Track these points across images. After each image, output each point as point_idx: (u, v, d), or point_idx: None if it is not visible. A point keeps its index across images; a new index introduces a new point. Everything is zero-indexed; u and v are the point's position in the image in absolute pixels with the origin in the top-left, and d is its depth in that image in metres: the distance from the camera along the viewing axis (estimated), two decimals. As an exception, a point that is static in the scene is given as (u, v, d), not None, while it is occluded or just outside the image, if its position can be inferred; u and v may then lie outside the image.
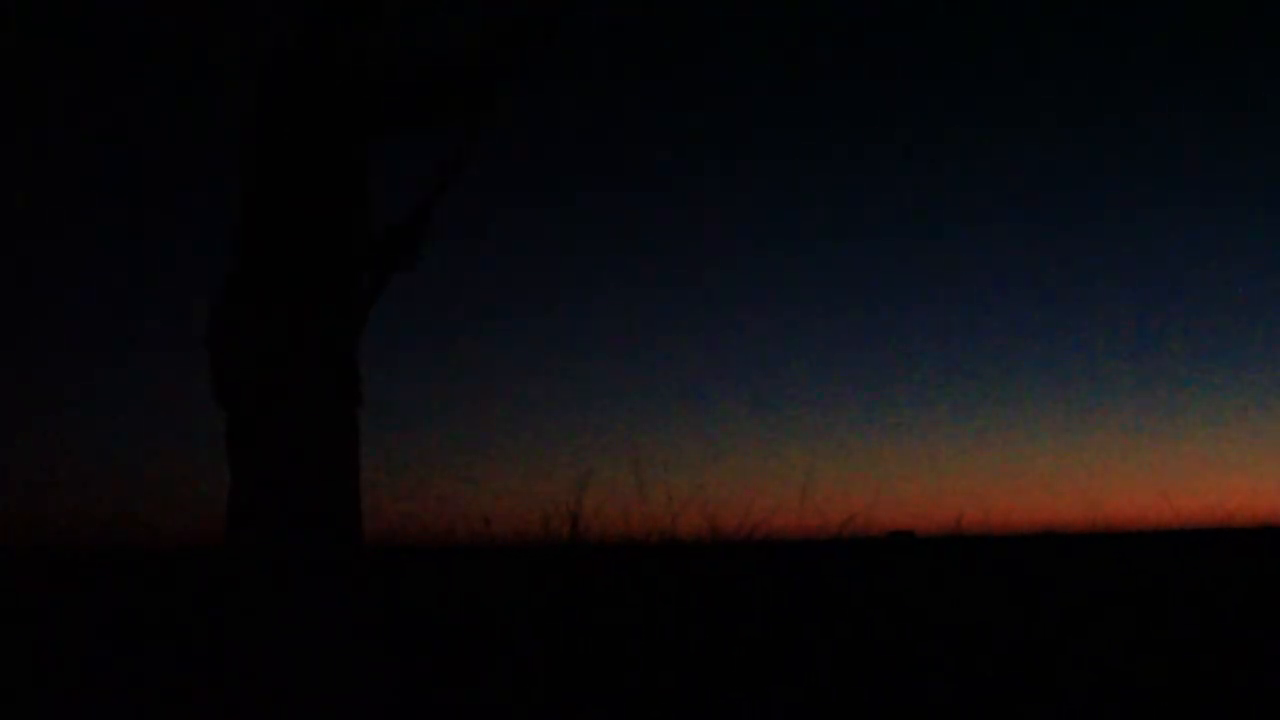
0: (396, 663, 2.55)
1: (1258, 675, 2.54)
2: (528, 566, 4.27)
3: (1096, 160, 19.89)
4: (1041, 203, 20.94)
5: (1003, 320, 21.79)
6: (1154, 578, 4.88)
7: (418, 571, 4.64)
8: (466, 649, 2.86)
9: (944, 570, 5.66)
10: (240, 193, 2.44)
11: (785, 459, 17.67)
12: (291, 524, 2.27)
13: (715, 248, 21.06)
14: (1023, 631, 3.23)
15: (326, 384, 2.37)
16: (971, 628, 3.28)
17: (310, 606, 2.24)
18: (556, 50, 2.47)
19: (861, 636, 3.04)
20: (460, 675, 2.59)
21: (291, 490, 2.29)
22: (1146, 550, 7.68)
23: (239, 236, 2.41)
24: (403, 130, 2.48)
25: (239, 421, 2.36)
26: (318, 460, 2.33)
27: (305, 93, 2.39)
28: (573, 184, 18.36)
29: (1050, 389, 23.00)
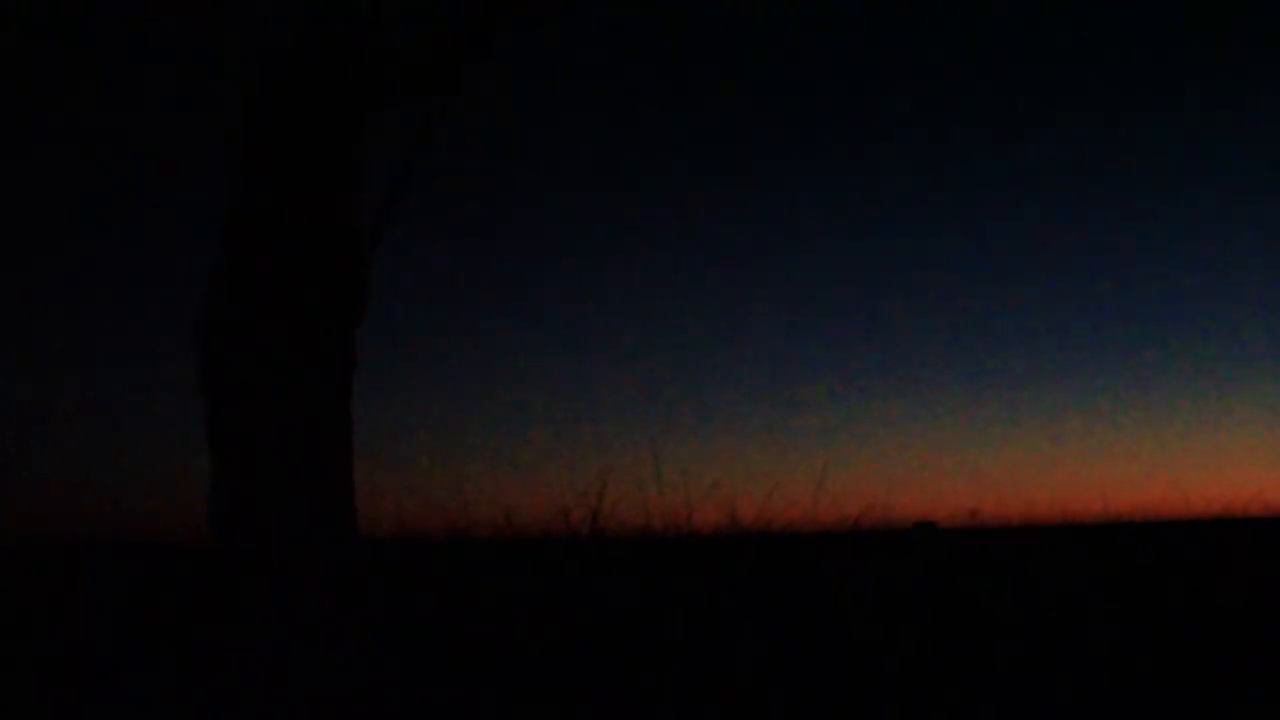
0: (396, 663, 2.55)
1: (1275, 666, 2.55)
2: (548, 560, 4.30)
3: (1120, 149, 19.76)
4: (1058, 193, 20.86)
5: (1018, 312, 21.74)
6: (1164, 569, 4.89)
7: (434, 566, 4.68)
8: (473, 645, 2.86)
9: (959, 563, 5.68)
10: (230, 187, 2.44)
11: (803, 451, 17.69)
12: (286, 522, 2.26)
13: (733, 243, 21.06)
14: (1035, 625, 3.25)
15: (319, 379, 2.36)
16: (986, 622, 3.30)
17: (310, 607, 2.23)
18: (529, 33, 2.54)
19: (871, 631, 3.07)
20: (465, 673, 2.58)
21: (286, 488, 2.28)
22: (1160, 541, 7.68)
23: (230, 231, 2.40)
24: (392, 103, 2.53)
25: (225, 414, 2.34)
26: (312, 457, 2.32)
27: (304, 76, 2.42)
28: (593, 184, 18.41)
29: (1068, 380, 22.93)
